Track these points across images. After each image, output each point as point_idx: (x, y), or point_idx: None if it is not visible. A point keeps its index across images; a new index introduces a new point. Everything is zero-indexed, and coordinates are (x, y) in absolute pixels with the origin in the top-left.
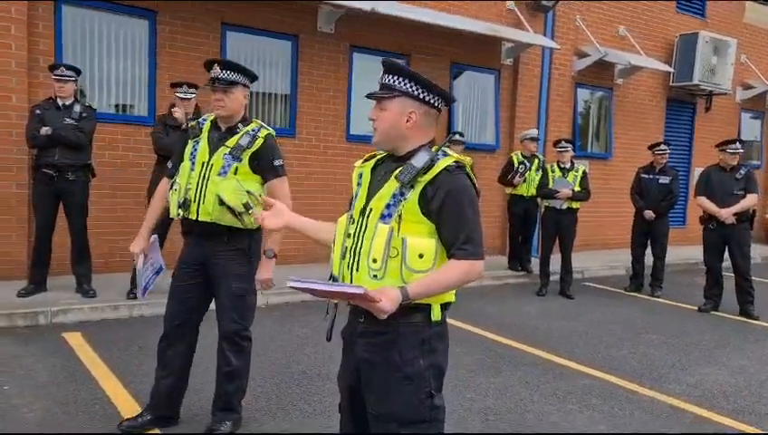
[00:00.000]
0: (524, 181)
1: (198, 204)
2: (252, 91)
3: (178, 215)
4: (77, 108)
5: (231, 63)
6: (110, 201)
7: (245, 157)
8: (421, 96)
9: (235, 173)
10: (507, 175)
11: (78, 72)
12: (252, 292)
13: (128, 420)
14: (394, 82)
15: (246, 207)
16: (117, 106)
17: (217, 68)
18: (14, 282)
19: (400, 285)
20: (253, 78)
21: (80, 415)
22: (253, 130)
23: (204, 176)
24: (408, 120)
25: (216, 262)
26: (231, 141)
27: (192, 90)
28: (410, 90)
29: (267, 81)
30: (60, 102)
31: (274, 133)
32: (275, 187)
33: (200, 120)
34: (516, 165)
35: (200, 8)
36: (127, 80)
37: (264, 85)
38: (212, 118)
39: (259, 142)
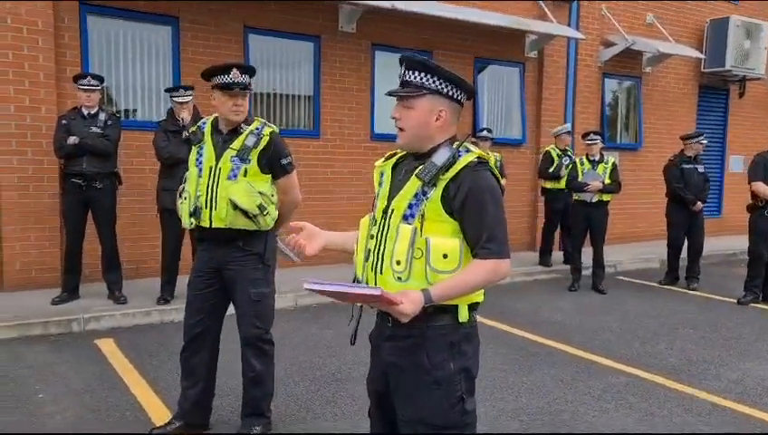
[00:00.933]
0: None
1: (210, 210)
2: (275, 93)
3: (191, 224)
4: (102, 116)
5: (247, 67)
6: (139, 207)
7: (253, 157)
8: (450, 93)
9: (245, 175)
10: (547, 169)
11: (102, 80)
12: (270, 295)
13: (158, 428)
14: (422, 78)
15: (261, 208)
16: (143, 113)
17: (237, 72)
18: (49, 290)
19: (425, 286)
20: None
21: (112, 423)
22: (257, 129)
23: (213, 181)
24: (437, 119)
25: (231, 268)
26: (236, 143)
27: (188, 91)
28: (441, 87)
29: (290, 82)
30: (85, 111)
31: (278, 130)
32: (285, 184)
33: (201, 124)
34: (557, 159)
35: (222, 12)
36: (152, 86)
37: (288, 87)
38: (211, 120)
39: (265, 141)
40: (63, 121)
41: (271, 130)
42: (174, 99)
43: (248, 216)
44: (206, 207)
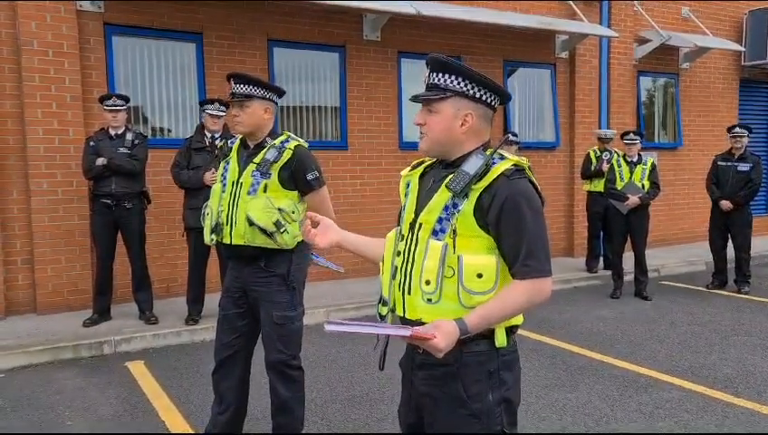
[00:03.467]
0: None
1: (231, 227)
2: (302, 106)
3: (212, 240)
4: (129, 136)
5: (243, 76)
6: (169, 226)
7: (274, 171)
8: (477, 95)
9: (265, 190)
10: (589, 169)
11: (127, 100)
12: (295, 319)
13: None
14: (445, 80)
15: (278, 225)
16: (170, 131)
17: (232, 82)
18: (82, 312)
19: (457, 307)
20: (274, 91)
21: None
22: (281, 143)
23: (235, 196)
24: (463, 124)
25: (255, 289)
26: (258, 157)
27: (223, 107)
28: (465, 89)
29: (316, 94)
30: (112, 132)
31: (306, 144)
32: (313, 201)
33: (230, 140)
34: (595, 161)
35: (245, 26)
36: (178, 104)
37: (314, 98)
38: (241, 136)
39: (287, 155)
40: (91, 143)
41: (296, 143)
42: (207, 111)
43: (266, 233)
44: (226, 224)
